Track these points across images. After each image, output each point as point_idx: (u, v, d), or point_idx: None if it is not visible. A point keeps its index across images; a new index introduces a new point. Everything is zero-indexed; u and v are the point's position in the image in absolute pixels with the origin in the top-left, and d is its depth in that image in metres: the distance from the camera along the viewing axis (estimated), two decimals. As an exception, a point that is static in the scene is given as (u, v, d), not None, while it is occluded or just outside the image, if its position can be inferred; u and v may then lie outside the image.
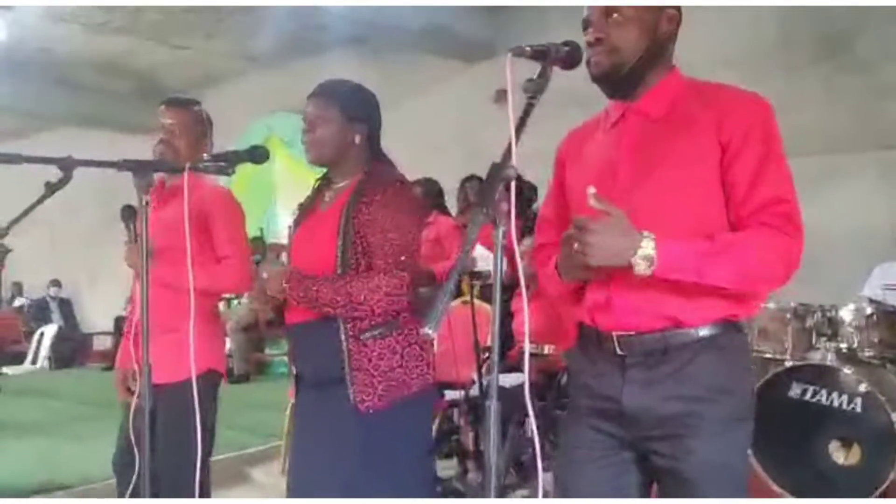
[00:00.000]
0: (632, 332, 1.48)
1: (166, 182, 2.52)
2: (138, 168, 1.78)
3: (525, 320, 1.20)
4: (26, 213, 2.05)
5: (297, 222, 2.18)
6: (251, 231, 8.49)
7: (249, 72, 8.66)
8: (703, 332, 1.46)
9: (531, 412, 1.23)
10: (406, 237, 1.98)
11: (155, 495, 2.42)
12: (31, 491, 3.88)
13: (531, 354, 3.35)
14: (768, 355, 3.91)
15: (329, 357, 1.97)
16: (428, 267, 4.54)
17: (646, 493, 1.56)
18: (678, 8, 1.55)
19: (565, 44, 1.41)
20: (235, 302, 8.08)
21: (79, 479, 4.12)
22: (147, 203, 1.85)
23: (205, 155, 1.91)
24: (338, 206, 2.02)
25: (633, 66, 1.51)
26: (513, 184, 1.19)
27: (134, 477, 2.41)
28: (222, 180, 2.39)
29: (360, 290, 1.90)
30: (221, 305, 7.83)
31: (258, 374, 8.17)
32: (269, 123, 8.30)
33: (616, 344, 1.50)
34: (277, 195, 8.60)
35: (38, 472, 4.17)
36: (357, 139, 2.04)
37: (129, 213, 2.38)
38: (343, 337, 1.95)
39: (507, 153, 1.22)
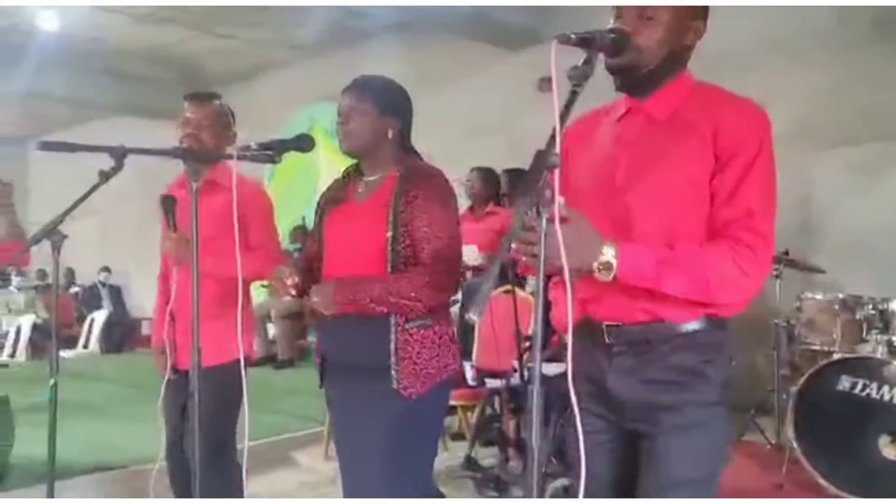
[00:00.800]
0: (619, 323, 1.56)
1: (204, 173, 2.58)
2: (190, 156, 1.82)
3: (569, 310, 1.20)
4: (81, 200, 2.10)
5: (324, 212, 2.22)
6: (294, 220, 8.67)
7: (293, 61, 8.74)
8: (685, 327, 1.53)
9: (574, 400, 1.24)
10: (448, 231, 2.05)
11: (190, 474, 2.53)
12: (85, 470, 4.01)
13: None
14: (815, 347, 3.85)
15: (376, 347, 2.04)
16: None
17: (632, 466, 1.61)
18: (705, 20, 1.58)
19: (611, 31, 1.43)
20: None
21: (130, 459, 4.25)
22: (197, 190, 1.89)
23: (252, 143, 1.93)
24: (380, 200, 2.07)
25: (650, 68, 1.54)
26: (556, 171, 1.19)
27: (162, 450, 2.56)
28: (266, 169, 2.44)
29: (409, 287, 1.98)
30: (265, 294, 7.98)
31: (301, 361, 8.30)
32: (312, 113, 8.37)
33: (605, 333, 1.58)
34: (319, 184, 8.69)
35: (92, 452, 4.31)
36: (389, 132, 2.11)
37: (168, 203, 2.45)
38: (393, 328, 2.03)
39: (552, 141, 1.22)
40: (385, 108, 2.09)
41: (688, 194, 1.50)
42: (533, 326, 1.20)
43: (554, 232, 1.22)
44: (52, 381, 2.20)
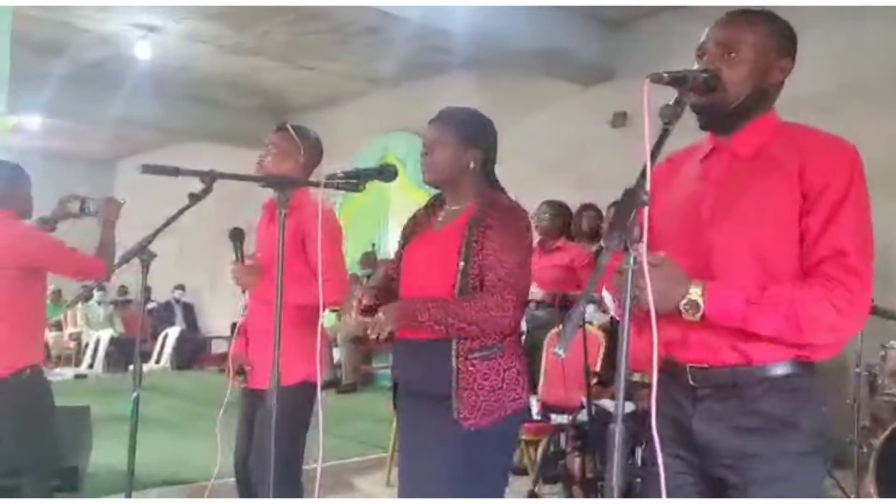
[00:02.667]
0: (704, 365, 1.52)
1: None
2: (277, 183, 1.89)
3: (654, 346, 1.19)
4: (171, 220, 2.21)
5: (406, 239, 2.26)
6: (364, 246, 8.81)
7: (369, 93, 8.96)
8: (773, 370, 1.48)
9: (656, 438, 1.23)
10: (518, 260, 2.04)
11: (254, 495, 2.58)
12: (156, 483, 4.13)
13: (642, 384, 3.30)
14: (901, 399, 3.68)
15: (437, 374, 2.04)
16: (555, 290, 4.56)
17: None
18: (793, 57, 1.56)
19: (703, 71, 1.42)
20: (346, 315, 8.31)
21: (199, 474, 4.35)
22: (284, 216, 1.95)
23: (339, 172, 1.99)
24: (456, 228, 2.09)
25: (735, 105, 1.53)
26: (646, 210, 1.20)
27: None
28: (339, 196, 2.48)
29: (470, 311, 1.97)
30: (332, 318, 8.10)
31: (365, 386, 8.37)
32: (386, 143, 8.55)
33: (689, 375, 1.54)
34: (390, 211, 8.83)
35: (163, 465, 4.44)
36: (472, 164, 2.12)
37: (237, 235, 2.56)
38: (454, 356, 2.02)
39: (641, 178, 1.22)
40: (468, 139, 2.11)
41: (774, 232, 1.47)
42: (618, 363, 1.19)
43: (642, 273, 1.22)
44: (134, 394, 2.29)
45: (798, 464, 1.48)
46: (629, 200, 1.20)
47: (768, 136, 1.54)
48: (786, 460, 1.47)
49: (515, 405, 2.07)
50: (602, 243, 1.23)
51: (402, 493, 2.19)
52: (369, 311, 2.09)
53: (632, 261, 1.20)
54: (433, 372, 2.04)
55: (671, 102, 1.34)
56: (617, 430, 1.19)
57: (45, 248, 3.05)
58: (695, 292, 1.40)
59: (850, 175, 1.46)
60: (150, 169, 1.79)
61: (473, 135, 2.13)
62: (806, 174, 1.46)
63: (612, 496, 1.23)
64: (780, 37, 1.55)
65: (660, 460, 1.23)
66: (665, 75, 1.34)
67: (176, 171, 1.84)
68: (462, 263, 2.02)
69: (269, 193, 2.68)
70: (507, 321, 2.02)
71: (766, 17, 1.56)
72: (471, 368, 2.01)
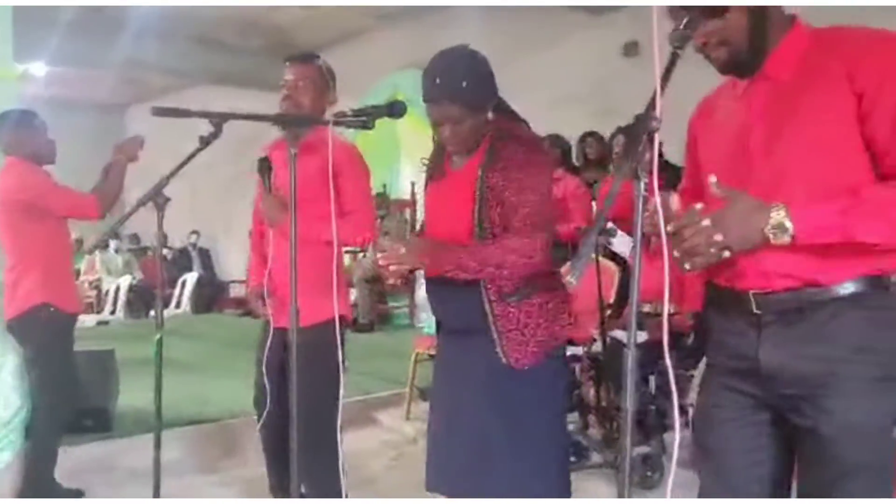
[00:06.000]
0: (768, 290, 1.44)
1: (299, 137, 2.61)
2: (286, 122, 1.87)
3: (666, 276, 1.20)
4: (183, 164, 2.21)
5: (426, 184, 2.21)
6: (375, 187, 8.78)
7: (378, 29, 8.82)
8: (843, 290, 1.39)
9: (669, 365, 1.23)
10: (541, 197, 1.98)
11: (285, 436, 2.58)
12: (183, 422, 4.25)
13: (653, 315, 3.32)
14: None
15: (473, 315, 2.01)
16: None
17: (785, 455, 1.52)
18: None
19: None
20: (361, 255, 8.37)
21: (224, 412, 4.48)
22: (295, 155, 1.95)
23: (347, 109, 1.97)
24: (471, 168, 2.02)
25: (751, 46, 1.45)
26: (656, 135, 1.18)
27: (264, 413, 2.60)
28: (348, 135, 2.44)
29: (496, 254, 1.93)
30: (347, 258, 8.16)
31: (381, 324, 8.49)
32: (395, 81, 8.43)
33: (753, 302, 1.46)
34: (401, 152, 8.78)
35: (188, 405, 4.56)
36: (487, 117, 2.00)
37: (264, 166, 2.50)
38: (485, 299, 1.99)
39: (651, 104, 1.20)
40: (477, 104, 1.97)
41: (831, 146, 1.38)
42: (631, 294, 1.20)
43: (715, 222, 1.22)
44: (157, 336, 2.34)
45: (873, 391, 1.38)
46: (638, 127, 1.18)
47: (803, 50, 1.44)
48: (859, 388, 1.38)
49: (565, 333, 2.05)
50: (612, 170, 1.21)
51: (445, 431, 2.12)
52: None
53: (642, 187, 1.19)
54: (471, 312, 2.01)
55: (681, 26, 1.31)
56: (630, 356, 1.21)
57: (33, 186, 3.08)
58: (777, 214, 1.29)
59: None
60: (161, 111, 1.78)
61: (479, 96, 1.98)
62: (856, 74, 1.35)
63: (626, 421, 1.25)
64: None
65: (672, 381, 1.24)
66: (674, -1, 1.31)
67: (187, 113, 1.83)
68: (477, 206, 1.97)
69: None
70: (536, 261, 1.96)
71: None
72: (508, 310, 1.98)
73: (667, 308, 1.28)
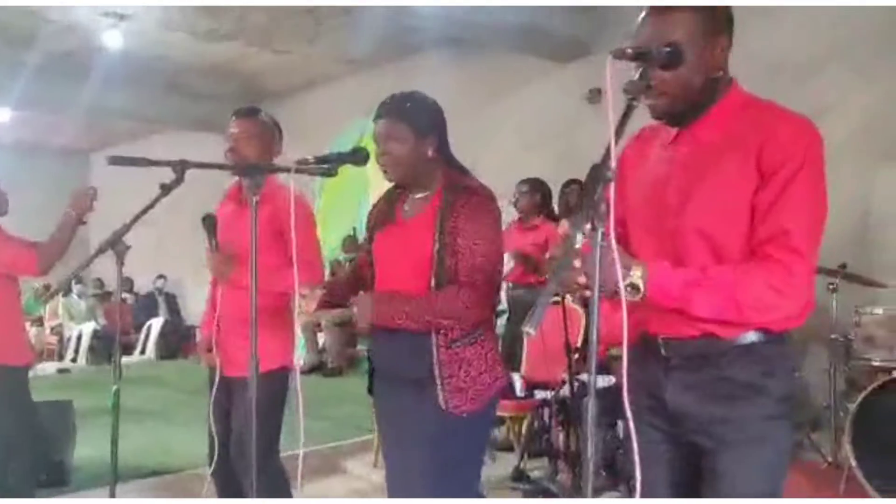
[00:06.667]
0: (675, 337, 1.56)
1: (242, 187, 2.65)
2: (248, 170, 1.88)
3: (623, 322, 1.21)
4: (143, 212, 2.19)
5: (373, 231, 2.23)
6: (345, 230, 8.80)
7: (348, 75, 8.90)
8: (740, 340, 1.51)
9: (628, 412, 1.24)
10: (490, 247, 2.03)
11: (236, 483, 2.58)
12: (143, 473, 4.14)
13: (620, 358, 3.33)
14: (875, 363, 3.75)
15: (419, 362, 2.04)
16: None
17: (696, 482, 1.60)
18: (729, 32, 1.53)
19: (667, 45, 1.41)
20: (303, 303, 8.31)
21: (186, 463, 4.36)
22: (257, 203, 1.94)
23: (310, 157, 1.98)
24: (427, 217, 2.06)
25: (690, 102, 1.53)
26: (612, 185, 1.21)
27: (213, 462, 2.66)
28: (317, 181, 2.47)
29: (447, 305, 1.98)
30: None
31: (350, 369, 8.39)
32: (364, 126, 8.49)
33: (661, 347, 1.58)
34: (370, 195, 8.81)
35: (150, 455, 4.45)
36: (430, 151, 2.08)
37: (209, 222, 2.52)
38: (434, 347, 2.02)
39: (606, 155, 1.23)
40: (423, 128, 2.06)
41: (734, 213, 1.48)
42: (589, 341, 1.21)
43: (608, 249, 1.23)
44: (114, 387, 2.28)
45: (767, 427, 1.52)
46: (594, 177, 1.21)
47: (730, 116, 1.54)
48: (755, 424, 1.51)
49: (499, 384, 2.11)
50: (569, 222, 1.23)
51: (392, 481, 2.20)
52: (325, 305, 2.10)
53: (600, 237, 1.21)
54: (415, 359, 2.04)
55: (636, 78, 1.34)
56: (590, 404, 1.21)
57: None
58: (635, 274, 1.41)
59: (804, 154, 1.45)
60: (118, 160, 1.77)
61: (426, 121, 2.08)
62: (764, 153, 1.46)
63: (588, 467, 1.25)
64: (709, 19, 1.50)
65: (633, 437, 1.24)
66: (629, 51, 1.35)
67: (145, 162, 1.83)
68: (437, 255, 2.00)
69: (236, 182, 2.67)
70: (485, 311, 2.05)
71: (688, 7, 1.50)
72: (454, 356, 2.02)
73: (626, 354, 1.29)
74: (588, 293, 1.34)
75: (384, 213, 2.21)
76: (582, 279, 1.33)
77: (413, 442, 2.08)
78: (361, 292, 2.09)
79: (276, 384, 2.41)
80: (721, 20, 1.53)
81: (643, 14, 1.53)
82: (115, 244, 2.22)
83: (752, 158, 1.47)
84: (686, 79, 1.49)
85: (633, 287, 1.40)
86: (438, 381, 2.01)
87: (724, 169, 1.50)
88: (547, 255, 1.36)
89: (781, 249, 1.44)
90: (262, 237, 2.25)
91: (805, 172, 1.45)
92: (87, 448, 4.24)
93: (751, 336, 1.51)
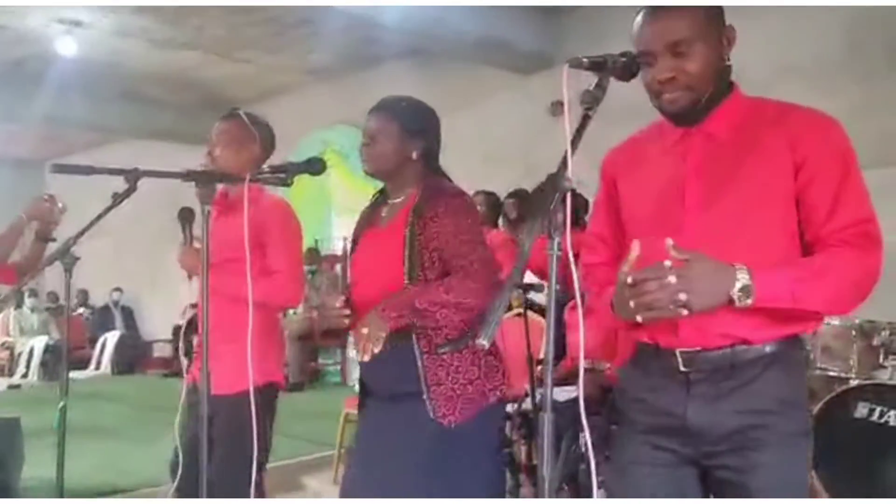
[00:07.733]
0: (697, 349, 1.47)
1: (229, 193, 2.54)
2: (201, 179, 1.83)
3: (581, 336, 1.19)
4: (94, 222, 2.12)
5: (355, 240, 2.19)
6: (307, 242, 8.68)
7: (309, 85, 8.84)
8: (770, 348, 1.45)
9: (585, 427, 1.22)
10: (479, 240, 2.01)
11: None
12: (97, 492, 4.00)
13: (587, 369, 3.32)
14: (832, 373, 3.80)
15: (404, 373, 1.97)
16: None
17: None
18: (725, 21, 1.52)
19: (622, 55, 1.41)
20: (291, 312, 8.22)
21: (142, 481, 4.24)
22: (208, 213, 1.89)
23: (264, 166, 1.94)
24: (399, 222, 2.03)
25: (709, 96, 1.49)
26: (568, 195, 1.19)
27: (177, 479, 2.47)
28: (280, 191, 2.42)
29: (455, 285, 1.92)
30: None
31: (312, 382, 8.29)
32: (325, 137, 8.44)
33: (679, 360, 1.48)
34: (333, 207, 8.74)
35: (104, 474, 4.31)
36: (414, 154, 2.06)
37: (186, 216, 2.41)
38: (417, 353, 1.96)
39: (563, 165, 1.22)
40: (411, 129, 2.05)
41: (769, 209, 1.45)
42: (544, 355, 1.18)
43: (682, 279, 1.22)
44: (60, 404, 2.21)
45: (797, 442, 1.46)
46: (551, 186, 1.19)
47: (742, 114, 1.51)
48: (783, 441, 1.44)
49: (497, 394, 2.02)
50: (524, 229, 1.22)
51: (349, 494, 2.09)
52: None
53: (556, 247, 1.19)
54: (398, 371, 1.98)
55: (591, 87, 1.33)
56: (546, 419, 1.18)
57: None
58: (743, 277, 1.32)
59: (843, 144, 1.44)
60: (61, 169, 1.71)
61: (416, 124, 2.07)
62: (798, 146, 1.43)
63: (544, 483, 1.22)
64: (714, 11, 1.50)
65: (588, 442, 1.22)
66: (584, 60, 1.33)
67: (90, 170, 1.76)
68: (407, 259, 1.96)
69: (222, 188, 2.57)
70: (485, 301, 1.90)
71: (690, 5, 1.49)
72: (440, 363, 1.95)
73: (582, 364, 1.28)
74: (685, 312, 1.30)
75: (365, 220, 2.19)
76: (683, 296, 1.28)
77: (401, 452, 1.98)
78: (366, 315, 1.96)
79: (262, 400, 2.30)
80: (722, 13, 1.51)
81: (641, 14, 1.49)
82: (64, 255, 2.15)
83: (782, 154, 1.44)
84: (710, 71, 1.47)
85: (745, 290, 1.32)
86: (425, 389, 1.94)
87: (748, 168, 1.46)
88: (622, 276, 1.34)
89: (860, 237, 1.40)
90: (240, 245, 2.17)
91: (852, 161, 1.44)
92: (37, 468, 4.08)
93: (777, 343, 1.45)
